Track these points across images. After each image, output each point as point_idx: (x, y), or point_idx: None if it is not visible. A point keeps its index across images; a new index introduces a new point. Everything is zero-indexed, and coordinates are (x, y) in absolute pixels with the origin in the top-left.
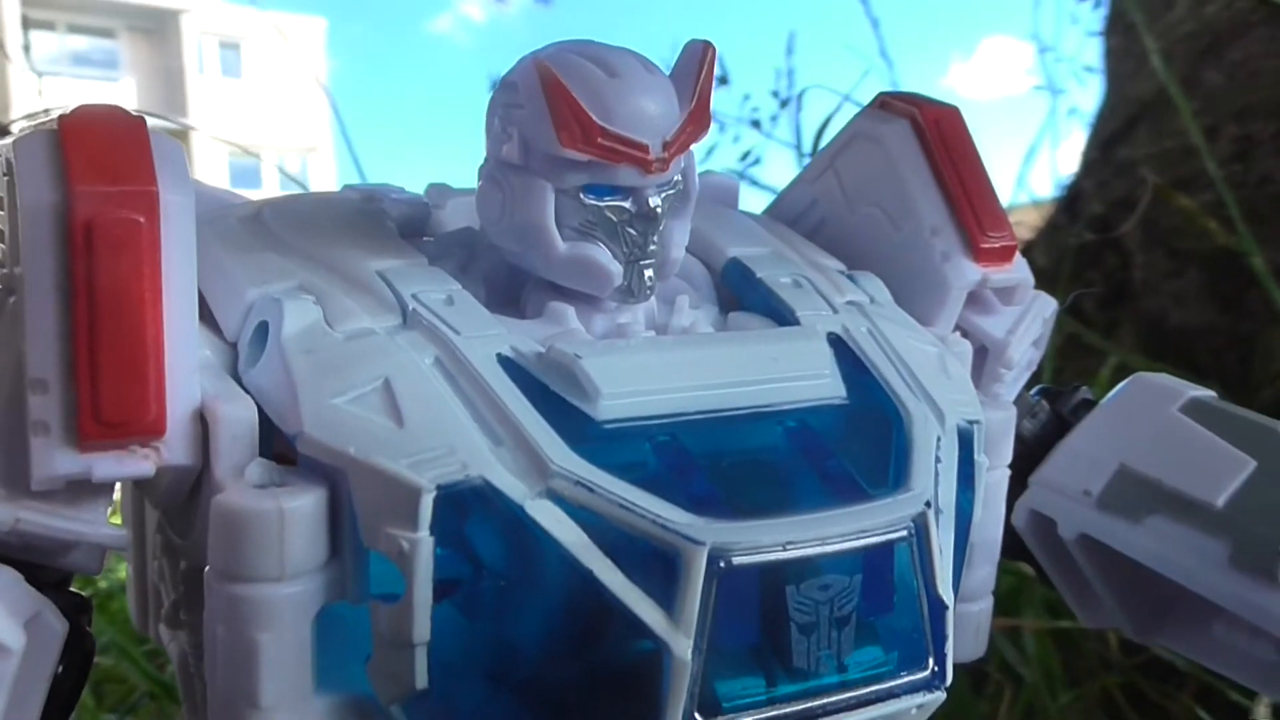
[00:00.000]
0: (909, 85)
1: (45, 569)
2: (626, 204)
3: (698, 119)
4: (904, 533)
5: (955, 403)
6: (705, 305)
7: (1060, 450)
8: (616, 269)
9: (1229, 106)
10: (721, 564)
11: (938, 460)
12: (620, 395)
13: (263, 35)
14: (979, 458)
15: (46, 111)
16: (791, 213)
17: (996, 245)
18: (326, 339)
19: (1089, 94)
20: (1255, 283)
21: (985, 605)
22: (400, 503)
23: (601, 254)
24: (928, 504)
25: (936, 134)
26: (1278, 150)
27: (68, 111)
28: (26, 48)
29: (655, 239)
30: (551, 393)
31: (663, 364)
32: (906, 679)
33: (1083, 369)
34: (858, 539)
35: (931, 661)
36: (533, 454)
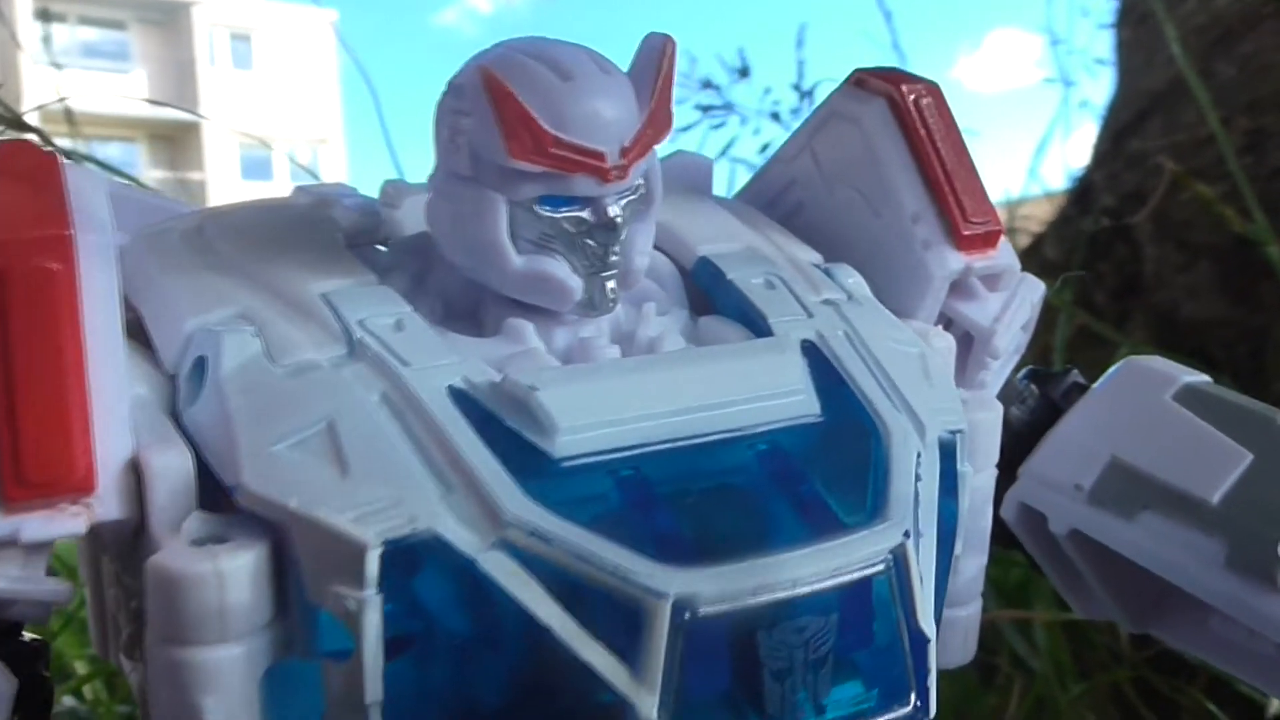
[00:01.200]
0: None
1: None
2: (585, 214)
3: (658, 120)
4: (882, 565)
5: (937, 411)
6: (675, 309)
7: (1050, 440)
8: (576, 283)
9: (1240, 99)
10: (687, 615)
11: (918, 478)
12: (579, 429)
13: (274, 27)
14: (962, 468)
15: (61, 101)
16: (768, 194)
17: (980, 231)
18: (267, 376)
19: (1100, 86)
20: (1267, 275)
21: (973, 610)
22: (345, 559)
23: (559, 268)
24: (906, 534)
25: (915, 114)
26: None
27: None
28: (46, 39)
29: (617, 249)
30: (507, 428)
31: (625, 390)
32: (889, 715)
33: (1093, 360)
34: (833, 577)
35: (914, 696)
36: (485, 502)
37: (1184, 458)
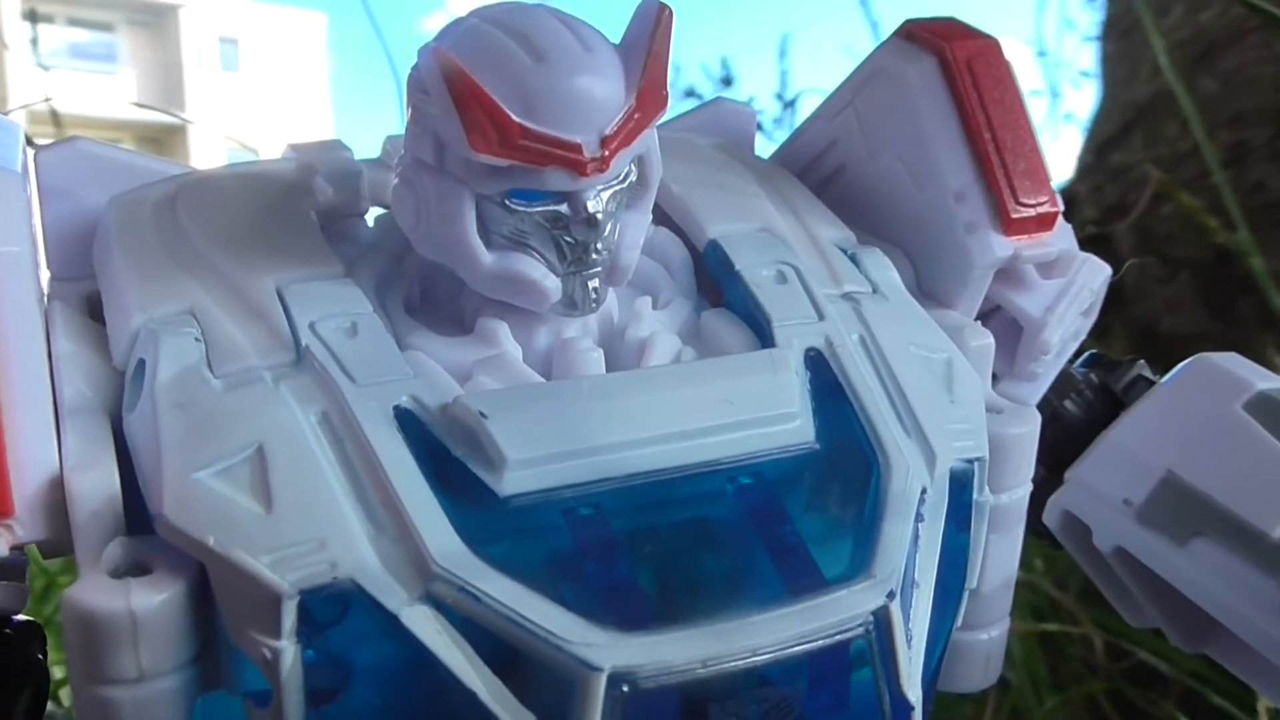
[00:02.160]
0: None
1: None
2: (561, 208)
3: (647, 101)
4: (860, 630)
5: (953, 435)
6: (678, 300)
7: (1102, 445)
8: (553, 283)
9: (1223, 113)
10: (625, 688)
11: (920, 518)
12: (532, 463)
13: (262, 30)
14: (979, 497)
15: (46, 101)
16: (808, 153)
17: (1032, 214)
18: (203, 389)
19: (1085, 98)
20: (1247, 289)
21: (999, 631)
22: (262, 604)
23: (534, 267)
24: (890, 594)
25: (968, 76)
26: (1271, 157)
27: None
28: (34, 41)
29: (599, 245)
30: (452, 458)
31: (595, 415)
32: None
33: None
34: (800, 644)
35: None
36: (414, 549)
37: (1248, 480)
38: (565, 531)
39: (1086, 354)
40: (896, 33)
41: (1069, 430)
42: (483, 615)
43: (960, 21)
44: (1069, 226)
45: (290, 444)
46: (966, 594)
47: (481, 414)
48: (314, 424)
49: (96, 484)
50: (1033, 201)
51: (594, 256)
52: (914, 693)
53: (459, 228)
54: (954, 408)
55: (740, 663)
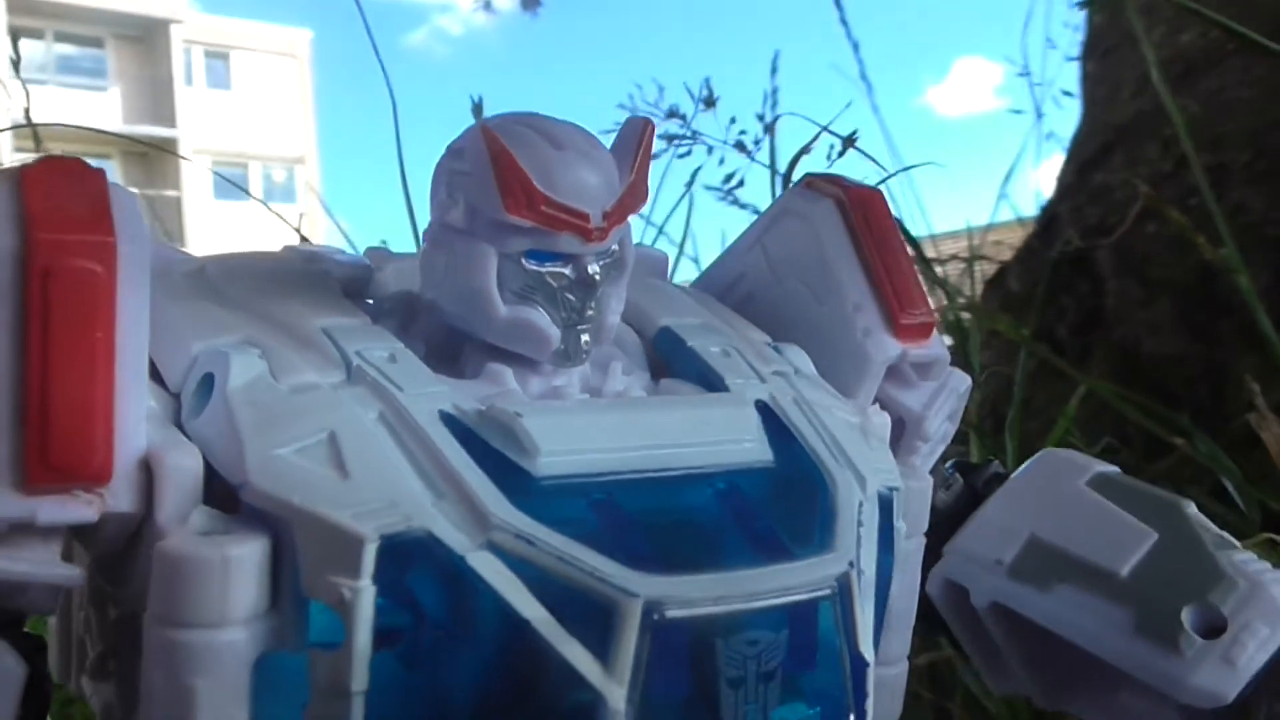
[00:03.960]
0: (885, 105)
1: None
2: (566, 270)
3: (635, 193)
4: (828, 591)
5: (876, 469)
6: (637, 371)
7: (974, 521)
8: (555, 332)
9: (1203, 135)
10: (655, 617)
11: (860, 524)
12: (558, 453)
13: (250, 46)
14: (898, 523)
15: (29, 122)
16: (720, 285)
17: (916, 322)
18: (271, 392)
19: (1066, 118)
20: (1228, 311)
21: (901, 669)
22: (343, 551)
23: (541, 318)
24: (850, 564)
25: (860, 214)
26: (1251, 179)
27: (30, 162)
28: (15, 61)
29: (592, 305)
30: (492, 449)
31: (598, 425)
32: None
33: (1053, 395)
34: (784, 596)
35: (853, 717)
36: (474, 508)
37: (1096, 536)
38: (588, 512)
39: (951, 461)
40: (799, 183)
41: (941, 516)
42: (536, 557)
43: (846, 177)
44: (941, 339)
45: (356, 431)
46: (888, 612)
47: (516, 413)
48: (373, 420)
49: (184, 462)
50: (916, 312)
51: (588, 313)
52: (868, 652)
53: (483, 279)
54: (872, 452)
55: (740, 605)
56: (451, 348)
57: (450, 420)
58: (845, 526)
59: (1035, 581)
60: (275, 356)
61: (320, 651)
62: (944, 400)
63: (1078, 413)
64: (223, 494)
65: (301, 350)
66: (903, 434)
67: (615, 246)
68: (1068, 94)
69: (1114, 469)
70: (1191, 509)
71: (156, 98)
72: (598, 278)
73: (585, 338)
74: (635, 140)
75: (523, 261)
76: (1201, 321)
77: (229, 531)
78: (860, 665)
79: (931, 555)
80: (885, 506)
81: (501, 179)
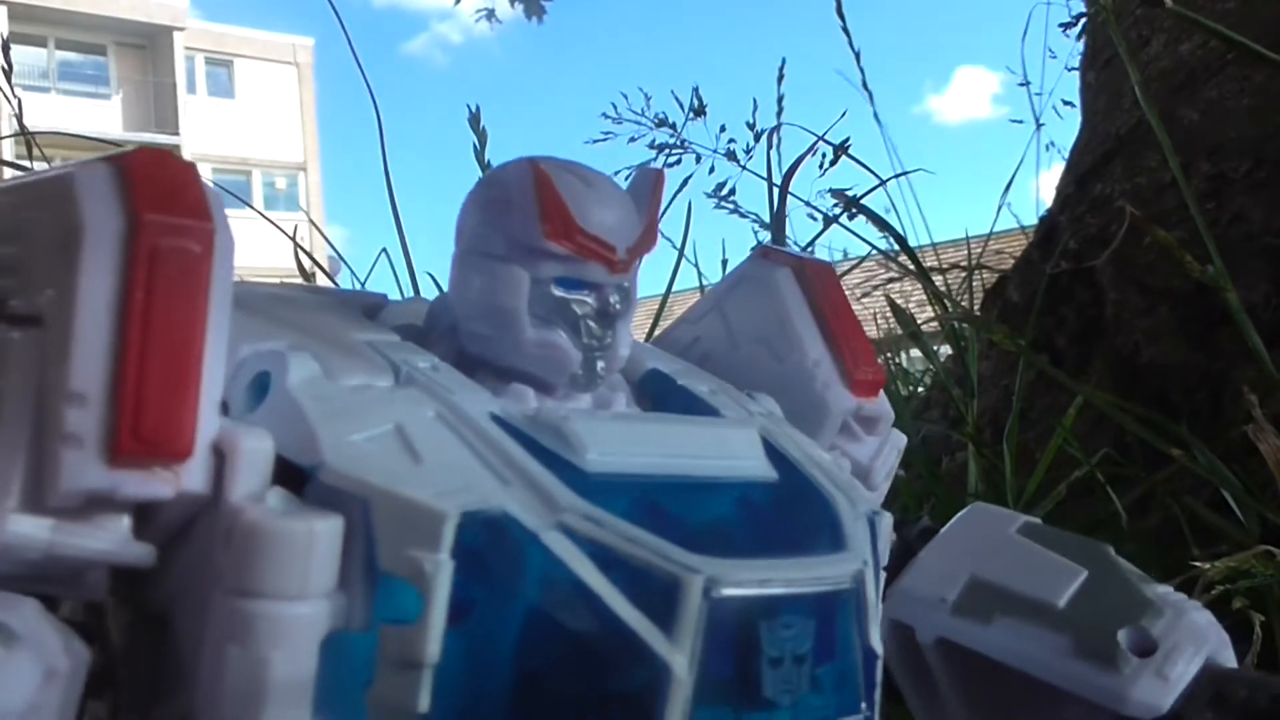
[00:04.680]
0: (886, 114)
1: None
2: (590, 299)
3: (649, 234)
4: (850, 584)
5: (860, 496)
6: (633, 406)
7: (915, 565)
8: (576, 355)
9: (1202, 144)
10: (713, 593)
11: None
12: (605, 452)
13: (252, 53)
14: (880, 545)
15: (23, 130)
16: (676, 348)
17: (869, 378)
18: (333, 388)
19: (1067, 128)
20: (1227, 320)
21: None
22: (423, 527)
23: (564, 340)
24: (865, 562)
25: (816, 282)
26: (1250, 188)
27: (128, 150)
28: (7, 71)
29: (610, 335)
30: (543, 447)
31: (631, 433)
32: None
33: (1050, 405)
34: (816, 585)
35: (864, 705)
36: (542, 493)
37: (1032, 574)
38: (633, 507)
39: None
40: (754, 253)
41: None
42: (604, 537)
43: (802, 253)
44: (885, 398)
45: (420, 425)
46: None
47: (564, 416)
48: (432, 418)
49: (260, 445)
50: (868, 369)
51: (605, 341)
52: (878, 645)
53: (515, 302)
54: (852, 481)
55: (782, 590)
56: (471, 371)
57: (500, 421)
58: (853, 531)
59: (978, 616)
60: (326, 360)
61: (392, 627)
62: (886, 454)
63: (1077, 423)
64: (282, 483)
65: (349, 357)
66: None
67: (628, 283)
68: (1068, 103)
69: (1036, 520)
70: (1111, 551)
71: (158, 105)
72: (617, 308)
73: (601, 364)
74: (649, 189)
75: (551, 288)
76: (1201, 331)
77: (303, 512)
78: (871, 657)
79: None
80: (873, 528)
81: (544, 206)
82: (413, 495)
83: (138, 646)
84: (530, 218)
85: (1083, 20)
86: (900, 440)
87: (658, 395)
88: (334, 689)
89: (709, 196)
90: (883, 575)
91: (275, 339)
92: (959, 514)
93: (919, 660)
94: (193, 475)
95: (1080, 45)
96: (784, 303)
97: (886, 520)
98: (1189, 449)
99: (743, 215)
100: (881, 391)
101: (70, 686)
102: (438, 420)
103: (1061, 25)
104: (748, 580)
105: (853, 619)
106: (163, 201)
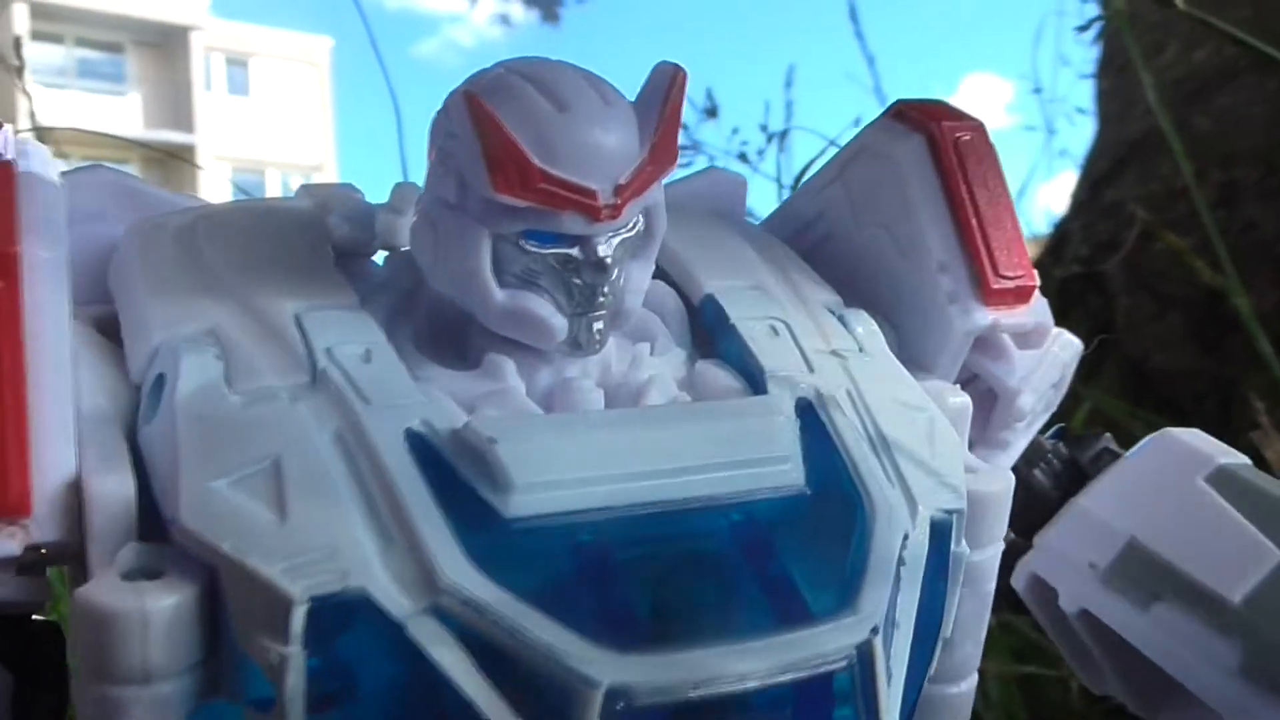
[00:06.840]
0: None
1: None
2: (573, 251)
3: (660, 155)
4: (844, 663)
5: (933, 490)
6: (673, 350)
7: (1069, 512)
8: (560, 322)
9: (1215, 152)
10: (620, 705)
11: (901, 563)
12: (537, 488)
13: (270, 52)
14: (956, 548)
15: (37, 127)
16: (796, 223)
17: (1011, 286)
18: (222, 403)
19: (1080, 135)
20: (1237, 327)
21: (967, 686)
22: (272, 610)
23: (542, 306)
24: (874, 630)
25: (954, 155)
26: (1262, 196)
27: None
28: (19, 69)
29: (606, 289)
30: (460, 480)
31: (596, 447)
32: None
33: (1062, 409)
34: (787, 673)
35: None
36: (423, 562)
37: (1208, 548)
38: (566, 557)
39: (1055, 428)
40: (886, 112)
41: (1038, 497)
42: (486, 628)
43: (948, 104)
44: (1045, 300)
45: (305, 458)
46: (941, 642)
47: (491, 439)
48: (328, 441)
49: (115, 488)
50: (1012, 275)
51: (600, 299)
52: None
53: (474, 264)
54: (934, 461)
55: (729, 688)
56: (458, 323)
57: (417, 442)
58: (877, 571)
59: (1131, 595)
60: (234, 354)
61: (255, 711)
62: (1043, 372)
63: (1082, 429)
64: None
65: (265, 346)
66: (995, 407)
67: (639, 217)
68: (1081, 111)
69: (1242, 461)
70: None
71: (176, 103)
72: (610, 260)
73: (598, 325)
74: (663, 92)
75: (521, 243)
76: (1211, 336)
77: (161, 572)
78: None
79: (1022, 539)
80: (942, 531)
81: (489, 153)
82: (262, 571)
83: None
84: (477, 164)
85: (1096, 23)
86: (1067, 350)
87: (714, 330)
88: None
89: None
90: (997, 549)
91: (195, 320)
92: (1143, 441)
93: (1067, 621)
94: (44, 527)
95: (1095, 52)
96: (909, 186)
97: (1001, 490)
98: None
99: (753, 217)
100: (1038, 295)
101: None
102: (334, 445)
103: (1077, 29)
104: (676, 685)
105: (857, 702)
106: None
